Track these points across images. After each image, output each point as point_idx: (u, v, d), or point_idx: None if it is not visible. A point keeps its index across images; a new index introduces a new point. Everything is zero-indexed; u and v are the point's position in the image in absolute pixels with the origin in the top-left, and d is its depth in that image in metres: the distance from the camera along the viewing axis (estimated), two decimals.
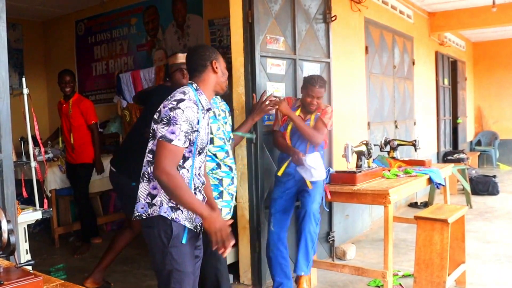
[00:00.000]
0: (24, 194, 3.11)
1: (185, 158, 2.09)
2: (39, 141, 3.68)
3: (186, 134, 2.00)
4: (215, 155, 2.80)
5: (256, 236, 3.71)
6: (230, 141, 2.95)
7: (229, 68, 4.20)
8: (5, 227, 1.38)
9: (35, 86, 5.69)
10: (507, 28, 9.23)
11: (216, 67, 2.21)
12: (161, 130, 1.99)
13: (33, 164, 3.05)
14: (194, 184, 2.14)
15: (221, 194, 2.82)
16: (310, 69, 4.18)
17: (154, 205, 2.05)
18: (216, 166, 2.81)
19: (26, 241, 2.83)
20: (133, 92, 5.58)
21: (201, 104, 2.13)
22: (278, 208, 3.45)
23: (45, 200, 3.13)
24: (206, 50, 2.24)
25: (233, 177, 2.89)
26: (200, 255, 2.28)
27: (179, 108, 1.99)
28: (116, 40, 6.39)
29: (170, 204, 2.05)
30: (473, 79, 11.43)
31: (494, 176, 7.59)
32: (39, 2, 6.35)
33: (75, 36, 6.95)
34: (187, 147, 2.05)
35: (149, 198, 2.08)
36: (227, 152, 2.84)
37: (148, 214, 2.07)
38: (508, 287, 3.70)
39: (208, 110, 2.20)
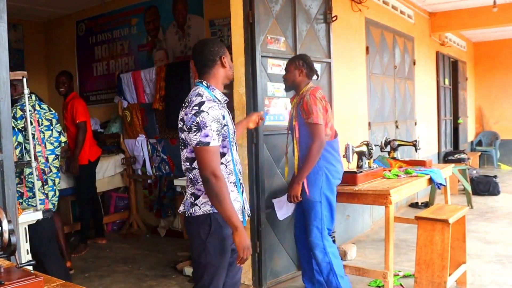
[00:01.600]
0: (25, 194, 3.11)
1: (222, 154, 2.15)
2: (40, 141, 3.68)
3: (218, 132, 2.07)
4: None
5: (257, 236, 3.71)
6: None
7: None
8: (6, 227, 1.38)
9: (36, 87, 5.70)
10: (508, 28, 9.23)
11: (225, 61, 2.25)
12: (194, 138, 2.05)
13: (34, 164, 3.06)
14: (236, 173, 2.22)
15: None
16: None
17: (196, 205, 2.16)
18: None
19: (26, 242, 2.84)
20: (133, 93, 5.58)
21: (217, 99, 2.18)
22: None
23: (46, 200, 3.13)
24: (215, 46, 2.25)
25: None
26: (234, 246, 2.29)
27: (203, 111, 2.03)
28: (117, 41, 6.39)
29: None
30: (474, 79, 11.43)
31: (495, 176, 7.58)
32: (40, 3, 6.36)
33: (76, 36, 6.96)
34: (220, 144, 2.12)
35: (193, 198, 2.17)
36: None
37: (190, 214, 2.18)
38: None
39: (226, 101, 2.25)
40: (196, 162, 2.11)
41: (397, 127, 6.37)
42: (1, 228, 1.38)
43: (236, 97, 3.77)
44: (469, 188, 6.59)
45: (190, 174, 2.17)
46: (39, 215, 2.91)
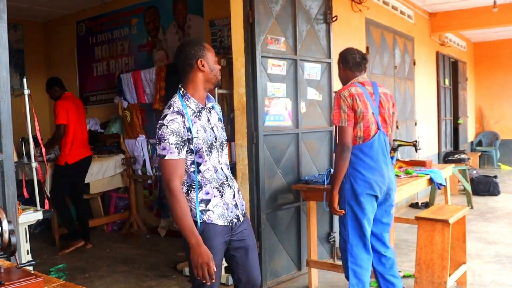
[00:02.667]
0: (25, 194, 3.11)
1: (198, 164, 2.15)
2: (40, 141, 3.68)
3: (177, 145, 2.06)
4: None
5: (257, 236, 3.71)
6: None
7: (229, 68, 4.23)
8: (6, 227, 1.38)
9: (36, 87, 5.69)
10: (508, 29, 9.23)
11: (203, 65, 2.18)
12: (157, 149, 2.10)
13: (34, 164, 3.06)
14: (218, 179, 2.19)
15: None
16: (311, 69, 4.19)
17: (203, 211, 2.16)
18: None
19: (27, 242, 2.84)
20: (134, 93, 5.58)
21: (190, 108, 2.15)
22: None
23: (46, 201, 3.13)
24: (191, 48, 2.19)
25: None
26: (242, 245, 2.28)
27: (163, 124, 2.07)
28: (117, 41, 6.39)
29: (200, 209, 2.14)
30: (474, 80, 11.43)
31: (495, 177, 7.59)
32: (40, 3, 6.36)
33: (76, 36, 6.96)
34: (190, 155, 2.12)
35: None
36: None
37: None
38: None
39: (202, 109, 2.19)
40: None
41: (397, 127, 6.36)
42: (1, 228, 1.38)
43: (236, 97, 3.77)
44: (469, 188, 6.58)
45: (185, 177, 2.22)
46: (39, 215, 2.91)
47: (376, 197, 2.90)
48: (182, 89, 2.20)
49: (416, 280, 3.31)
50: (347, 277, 2.97)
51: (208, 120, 2.21)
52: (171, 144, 2.05)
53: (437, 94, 8.35)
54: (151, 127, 5.54)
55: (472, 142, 11.12)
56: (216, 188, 2.19)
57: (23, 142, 3.43)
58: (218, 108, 2.37)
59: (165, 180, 2.06)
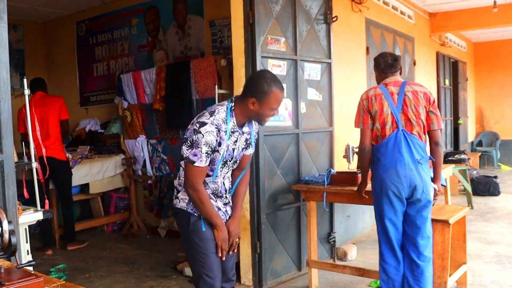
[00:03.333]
0: (26, 194, 3.11)
1: (207, 176, 2.30)
2: (40, 141, 3.68)
3: (207, 155, 2.20)
4: None
5: (257, 236, 3.71)
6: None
7: (230, 68, 4.23)
8: (6, 227, 1.38)
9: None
10: (508, 29, 9.23)
11: (253, 105, 2.21)
12: (185, 151, 2.20)
13: (34, 164, 3.06)
14: (215, 189, 2.36)
15: None
16: (311, 69, 4.19)
17: (177, 198, 2.37)
18: None
19: (27, 242, 2.83)
20: (134, 93, 5.58)
21: (227, 125, 2.22)
22: None
23: (46, 201, 3.13)
24: (259, 83, 2.22)
25: None
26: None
27: (200, 132, 2.15)
28: (117, 41, 6.39)
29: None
30: (474, 80, 11.42)
31: (495, 177, 7.58)
32: (40, 3, 6.36)
33: (76, 36, 6.96)
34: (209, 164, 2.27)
35: (176, 191, 2.39)
36: None
37: (174, 204, 2.39)
38: None
39: (236, 131, 2.28)
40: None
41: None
42: (2, 229, 1.38)
43: None
44: (469, 189, 6.58)
45: (181, 170, 2.33)
46: (39, 216, 2.91)
47: (399, 197, 2.86)
48: (233, 103, 2.26)
49: None
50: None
51: (236, 141, 2.31)
52: (203, 153, 2.17)
53: (437, 94, 8.35)
54: (151, 127, 5.54)
55: (472, 142, 11.12)
56: (213, 193, 2.35)
57: (23, 142, 3.42)
58: (255, 129, 2.45)
59: (191, 181, 2.22)
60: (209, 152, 2.19)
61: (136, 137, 5.66)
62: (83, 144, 6.09)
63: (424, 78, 7.61)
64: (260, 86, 2.20)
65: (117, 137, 5.94)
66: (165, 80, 5.17)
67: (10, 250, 1.40)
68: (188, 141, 2.19)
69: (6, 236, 1.38)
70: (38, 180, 3.12)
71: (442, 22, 7.88)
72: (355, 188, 3.31)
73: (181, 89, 5.00)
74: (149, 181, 5.75)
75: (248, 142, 2.40)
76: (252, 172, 3.70)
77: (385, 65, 3.05)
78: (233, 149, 2.31)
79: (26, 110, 3.17)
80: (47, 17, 7.16)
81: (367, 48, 5.52)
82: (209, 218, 2.28)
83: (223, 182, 2.38)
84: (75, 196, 5.61)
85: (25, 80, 3.17)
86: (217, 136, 2.19)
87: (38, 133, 3.85)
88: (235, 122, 2.26)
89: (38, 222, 4.85)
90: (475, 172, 7.91)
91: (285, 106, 3.95)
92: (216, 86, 4.24)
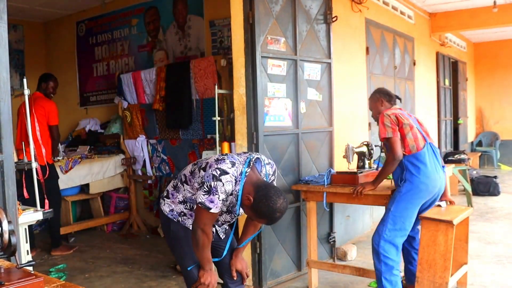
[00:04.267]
0: (25, 195, 3.11)
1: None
2: (40, 142, 3.68)
3: (223, 202, 2.20)
4: None
5: (257, 237, 3.71)
6: None
7: (230, 68, 4.22)
8: (6, 227, 1.38)
9: (35, 87, 5.72)
10: (508, 29, 9.23)
11: (249, 200, 2.17)
12: (201, 196, 2.17)
13: (34, 164, 3.05)
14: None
15: None
16: (311, 69, 4.19)
17: (164, 200, 2.46)
18: None
19: (27, 242, 2.83)
20: (134, 93, 5.58)
21: (233, 186, 2.20)
22: None
23: (46, 201, 3.13)
24: (263, 207, 2.14)
25: None
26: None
27: (220, 180, 2.15)
28: (117, 41, 6.39)
29: (181, 215, 2.41)
30: (474, 80, 11.43)
31: (495, 177, 7.58)
32: (40, 3, 6.36)
33: (76, 37, 6.96)
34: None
35: (165, 193, 2.46)
36: None
37: (160, 204, 2.49)
38: None
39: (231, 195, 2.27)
40: (193, 190, 2.31)
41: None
42: (1, 229, 1.38)
43: (236, 98, 3.77)
44: (469, 189, 6.58)
45: (180, 184, 2.38)
46: (39, 216, 2.91)
47: (428, 200, 3.24)
48: (248, 173, 2.22)
49: (417, 280, 3.30)
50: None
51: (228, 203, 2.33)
52: (220, 200, 2.17)
53: (437, 94, 8.35)
54: (151, 127, 5.54)
55: (472, 143, 11.12)
56: None
57: (23, 143, 3.42)
58: (269, 169, 2.44)
59: (202, 223, 2.22)
60: (224, 199, 2.19)
61: (136, 137, 5.66)
62: (83, 144, 6.09)
63: (424, 78, 7.61)
64: (263, 213, 2.16)
65: (117, 137, 5.94)
66: (165, 80, 5.17)
67: (10, 250, 1.40)
68: (205, 186, 2.16)
69: (6, 236, 1.38)
70: (38, 180, 3.12)
71: (442, 22, 7.88)
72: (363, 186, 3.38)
73: (181, 89, 5.01)
74: (149, 181, 5.75)
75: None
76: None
77: (389, 96, 3.46)
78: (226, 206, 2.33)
79: (25, 110, 3.16)
80: (47, 17, 7.16)
81: (367, 48, 5.52)
82: (200, 260, 2.33)
83: (216, 231, 2.48)
84: (75, 196, 5.62)
85: (24, 80, 3.17)
86: (233, 187, 2.18)
87: (38, 133, 3.84)
88: (237, 190, 2.22)
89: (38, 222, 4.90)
90: (475, 172, 7.91)
91: (285, 106, 3.95)
92: (216, 86, 4.24)
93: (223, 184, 2.14)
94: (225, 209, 2.31)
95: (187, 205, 2.38)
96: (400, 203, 3.16)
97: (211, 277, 2.35)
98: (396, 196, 3.18)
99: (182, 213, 2.40)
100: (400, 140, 3.18)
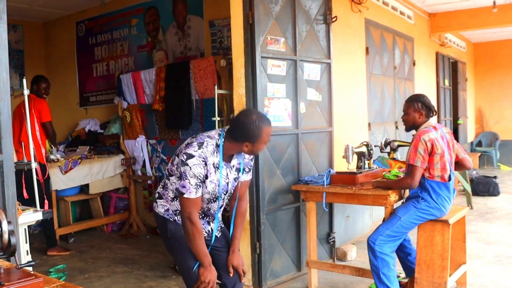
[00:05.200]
0: (25, 195, 3.11)
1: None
2: (40, 142, 3.68)
3: (196, 187, 2.23)
4: None
5: (257, 237, 3.71)
6: None
7: (229, 68, 4.22)
8: (5, 228, 1.38)
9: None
10: (508, 29, 9.23)
11: (247, 147, 2.27)
12: (176, 182, 2.29)
13: (34, 165, 3.05)
14: (203, 212, 2.43)
15: None
16: (310, 70, 4.19)
17: (157, 202, 2.47)
18: None
19: (26, 242, 2.83)
20: (133, 93, 5.58)
21: (216, 158, 2.26)
22: None
23: (46, 201, 3.13)
24: (247, 130, 2.23)
25: None
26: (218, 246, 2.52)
27: (187, 165, 2.19)
28: (117, 41, 6.39)
29: (176, 213, 2.41)
30: (473, 80, 11.43)
31: (495, 177, 7.58)
32: (40, 3, 6.36)
33: (76, 37, 6.96)
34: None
35: (157, 195, 2.47)
36: None
37: (154, 208, 2.50)
38: None
39: (224, 165, 2.32)
40: (173, 175, 2.34)
41: (396, 127, 6.36)
42: (1, 229, 1.38)
43: (236, 98, 3.77)
44: (469, 189, 6.58)
45: (167, 180, 2.39)
46: (39, 216, 2.91)
47: None
48: (223, 139, 2.27)
49: (416, 281, 3.30)
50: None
51: (227, 174, 2.36)
52: (192, 185, 2.21)
53: (436, 94, 8.35)
54: (151, 128, 5.54)
55: (472, 143, 11.12)
56: (200, 216, 2.41)
57: (22, 143, 3.42)
58: (247, 158, 2.46)
59: (185, 212, 2.25)
60: (198, 183, 2.22)
61: (136, 137, 5.66)
62: (82, 145, 6.09)
63: (424, 78, 7.61)
64: (250, 131, 2.24)
65: (117, 138, 5.94)
66: (164, 81, 5.17)
67: (9, 251, 1.40)
68: (178, 172, 2.26)
69: (6, 236, 1.38)
70: (38, 181, 3.12)
71: (441, 22, 7.88)
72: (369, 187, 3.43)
73: (181, 90, 5.00)
74: (149, 181, 5.75)
75: (238, 169, 2.41)
76: (252, 173, 3.69)
77: (429, 110, 3.36)
78: (227, 183, 2.37)
79: (25, 111, 3.16)
80: (47, 17, 7.16)
81: (367, 49, 5.53)
82: (196, 255, 2.31)
83: (214, 212, 2.45)
84: (75, 196, 5.62)
85: (24, 80, 3.17)
86: (204, 169, 2.22)
87: (38, 133, 3.84)
88: (222, 156, 2.29)
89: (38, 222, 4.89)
90: (474, 172, 7.91)
91: (285, 106, 3.95)
92: (216, 86, 4.24)
93: (190, 168, 2.18)
94: (210, 189, 2.29)
95: (178, 198, 2.36)
96: (412, 216, 3.21)
97: (211, 274, 2.33)
98: (411, 209, 3.22)
99: (178, 211, 2.39)
100: (426, 167, 3.18)
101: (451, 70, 9.27)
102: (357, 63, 5.34)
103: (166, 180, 2.40)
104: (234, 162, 2.38)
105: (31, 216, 2.88)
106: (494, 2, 6.45)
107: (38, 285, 1.36)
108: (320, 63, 4.29)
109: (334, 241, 4.44)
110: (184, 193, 2.22)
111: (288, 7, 3.96)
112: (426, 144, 3.14)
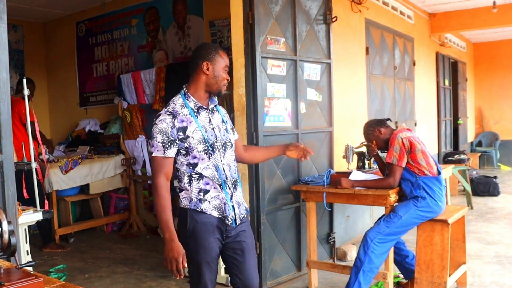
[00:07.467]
0: (25, 195, 3.11)
1: (194, 165, 2.19)
2: (40, 142, 3.68)
3: (164, 144, 2.15)
4: None
5: (257, 237, 3.71)
6: None
7: (230, 69, 4.22)
8: (5, 228, 1.38)
9: (34, 88, 5.75)
10: (508, 29, 9.23)
11: (208, 68, 2.22)
12: (178, 159, 2.22)
13: (34, 165, 3.05)
14: (220, 178, 2.21)
15: None
16: (310, 70, 4.19)
17: (180, 197, 2.24)
18: None
19: (26, 242, 2.83)
20: (133, 93, 5.58)
21: (189, 107, 2.22)
22: None
23: (46, 201, 3.13)
24: (203, 50, 2.26)
25: None
26: (239, 246, 2.32)
27: (155, 123, 2.19)
28: (117, 41, 6.39)
29: (199, 197, 2.19)
30: (473, 80, 11.43)
31: (495, 177, 7.59)
32: (40, 3, 6.36)
33: (76, 37, 6.96)
34: (185, 156, 2.18)
35: (178, 190, 2.28)
36: None
37: (179, 203, 2.26)
38: None
39: (201, 108, 2.24)
40: (178, 161, 2.21)
41: (396, 127, 6.36)
42: (1, 229, 1.38)
43: (236, 98, 3.77)
44: (469, 189, 6.58)
45: (175, 169, 2.26)
46: (39, 216, 2.91)
47: None
48: (185, 89, 2.29)
49: (416, 281, 3.31)
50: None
51: (210, 120, 2.25)
52: (158, 142, 2.15)
53: (436, 94, 8.35)
54: (151, 128, 5.53)
55: (472, 143, 11.13)
56: (213, 181, 2.20)
57: (23, 143, 3.42)
58: (222, 110, 2.39)
59: (152, 175, 2.19)
60: (165, 141, 2.14)
61: (136, 137, 5.66)
62: (83, 145, 6.10)
63: (424, 78, 7.61)
64: (208, 49, 2.25)
65: (117, 138, 5.94)
66: (164, 81, 5.18)
67: (9, 251, 1.40)
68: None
69: (6, 236, 1.38)
70: (38, 181, 3.12)
71: (441, 22, 7.89)
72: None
73: (181, 90, 5.00)
74: (149, 182, 5.75)
75: (224, 121, 2.33)
76: (252, 172, 3.70)
77: (381, 123, 3.53)
78: (213, 129, 2.23)
79: (25, 111, 3.17)
80: (47, 17, 7.16)
81: (367, 49, 5.53)
82: (160, 223, 2.11)
83: (223, 168, 2.22)
84: (75, 196, 5.63)
85: (24, 81, 3.17)
86: (172, 123, 2.15)
87: (38, 133, 3.84)
88: (194, 100, 2.24)
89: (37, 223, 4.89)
90: (474, 172, 7.91)
91: (285, 107, 3.95)
92: None
93: (157, 124, 2.17)
94: (198, 137, 2.16)
95: (192, 176, 2.19)
96: (413, 215, 3.22)
97: (173, 251, 2.06)
98: (412, 208, 3.23)
99: (200, 191, 2.18)
100: (412, 165, 3.23)
101: (451, 70, 9.27)
102: (357, 63, 5.34)
103: (175, 170, 2.25)
104: (211, 106, 2.29)
105: (31, 216, 2.88)
106: (494, 2, 6.45)
107: (38, 285, 1.36)
108: (320, 63, 4.29)
109: (334, 241, 4.44)
110: (152, 152, 2.18)
111: (288, 7, 3.97)
112: (402, 141, 3.23)
